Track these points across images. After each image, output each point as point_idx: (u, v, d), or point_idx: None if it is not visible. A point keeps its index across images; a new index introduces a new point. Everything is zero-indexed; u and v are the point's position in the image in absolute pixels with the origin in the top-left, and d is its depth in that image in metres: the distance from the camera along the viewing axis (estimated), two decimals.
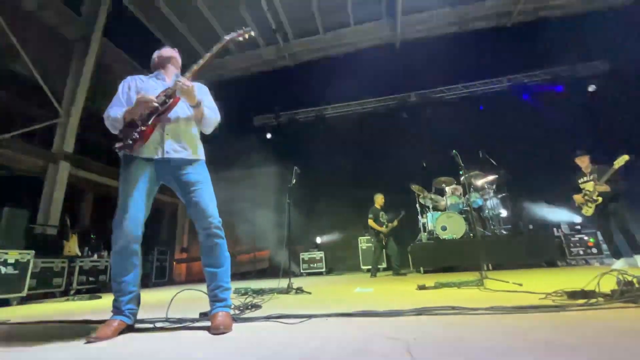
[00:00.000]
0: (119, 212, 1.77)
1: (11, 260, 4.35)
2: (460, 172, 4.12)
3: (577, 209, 4.76)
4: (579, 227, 6.02)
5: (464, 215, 6.01)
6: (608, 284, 1.86)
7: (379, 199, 6.18)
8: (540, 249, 5.43)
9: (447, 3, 8.87)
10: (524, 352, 1.05)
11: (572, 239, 5.73)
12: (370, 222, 5.95)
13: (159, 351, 1.36)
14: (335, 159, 9.14)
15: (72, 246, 6.23)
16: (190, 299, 3.07)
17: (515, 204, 6.88)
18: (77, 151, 7.43)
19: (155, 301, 3.64)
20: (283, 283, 3.72)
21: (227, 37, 2.12)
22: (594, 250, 5.62)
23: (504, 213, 6.35)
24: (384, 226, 5.90)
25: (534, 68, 8.73)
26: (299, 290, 3.50)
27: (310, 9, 8.88)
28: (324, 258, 8.00)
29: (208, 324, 1.71)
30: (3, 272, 4.23)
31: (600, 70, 8.26)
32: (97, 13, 7.79)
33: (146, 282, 7.65)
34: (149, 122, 1.79)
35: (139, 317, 1.85)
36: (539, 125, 7.96)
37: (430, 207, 6.62)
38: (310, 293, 3.42)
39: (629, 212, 4.38)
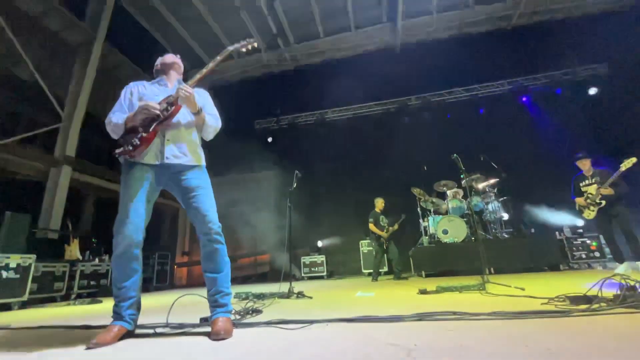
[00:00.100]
0: (119, 217, 1.77)
1: (13, 265, 4.35)
2: (462, 176, 4.10)
3: (578, 213, 4.72)
4: (581, 230, 6.00)
5: (465, 219, 5.99)
6: (611, 289, 1.85)
7: (379, 203, 6.17)
8: (542, 253, 5.40)
9: (447, 7, 8.91)
10: (526, 359, 1.04)
11: (575, 242, 5.71)
12: (371, 226, 5.94)
13: (159, 357, 1.36)
14: (336, 163, 9.16)
15: (73, 250, 6.24)
16: (191, 304, 3.07)
17: (517, 207, 6.85)
18: (79, 155, 7.45)
19: (156, 306, 3.63)
20: (284, 287, 3.71)
21: (231, 48, 2.13)
22: (597, 254, 5.59)
23: (505, 216, 6.32)
24: (385, 230, 5.89)
25: (535, 71, 8.74)
26: (300, 295, 3.49)
27: (311, 13, 8.93)
28: (325, 262, 7.98)
29: (208, 329, 1.71)
30: (5, 276, 4.23)
31: (601, 74, 8.26)
32: (99, 18, 7.86)
33: (147, 286, 7.63)
34: (150, 129, 1.80)
35: (139, 322, 1.85)
36: (539, 129, 7.97)
37: (432, 210, 6.61)
38: (311, 298, 3.40)
39: (632, 215, 4.35)
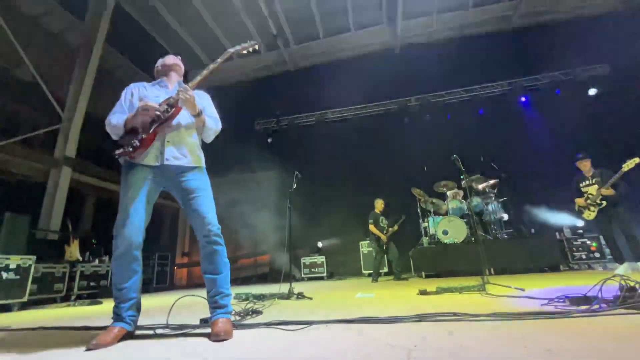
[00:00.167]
0: (119, 218, 1.77)
1: (13, 266, 4.35)
2: (461, 177, 4.11)
3: (578, 213, 4.71)
4: (581, 231, 5.99)
5: (465, 220, 5.99)
6: (611, 290, 1.85)
7: (379, 204, 6.17)
8: (542, 253, 5.40)
9: (447, 8, 8.93)
10: None
11: (575, 243, 5.71)
12: (371, 227, 5.94)
13: (159, 358, 1.36)
14: (336, 164, 9.16)
15: (73, 251, 6.24)
16: (191, 305, 3.07)
17: (517, 208, 6.85)
18: (79, 156, 7.46)
19: (156, 306, 3.63)
20: (284, 288, 3.71)
21: (232, 50, 2.13)
22: (597, 255, 5.59)
23: (505, 217, 6.33)
24: (384, 231, 5.89)
25: (535, 72, 8.74)
26: (300, 296, 3.49)
27: (310, 14, 8.95)
28: (325, 262, 7.98)
29: (208, 330, 1.71)
30: (5, 277, 4.23)
31: (601, 74, 8.27)
32: (99, 19, 7.87)
33: (147, 287, 7.63)
34: (150, 130, 1.80)
35: (139, 323, 1.85)
36: (539, 129, 7.97)
37: (432, 211, 6.61)
38: (311, 298, 3.40)
39: (632, 216, 4.35)
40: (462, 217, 6.12)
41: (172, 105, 1.86)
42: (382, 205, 6.17)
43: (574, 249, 5.67)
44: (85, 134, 7.64)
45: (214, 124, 2.03)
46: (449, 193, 6.61)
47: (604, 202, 4.29)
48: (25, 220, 5.00)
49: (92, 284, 6.03)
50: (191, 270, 10.77)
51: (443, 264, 5.64)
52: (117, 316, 1.74)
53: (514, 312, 1.74)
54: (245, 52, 2.18)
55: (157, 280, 8.31)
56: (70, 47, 7.88)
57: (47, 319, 3.10)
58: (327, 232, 8.92)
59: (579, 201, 4.57)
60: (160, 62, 2.17)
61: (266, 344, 1.48)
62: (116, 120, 1.85)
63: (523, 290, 2.70)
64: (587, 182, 4.53)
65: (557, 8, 8.69)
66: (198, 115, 1.93)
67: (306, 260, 8.09)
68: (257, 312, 2.41)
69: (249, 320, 2.10)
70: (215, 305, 1.79)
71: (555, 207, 6.98)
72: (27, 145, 7.01)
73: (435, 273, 5.67)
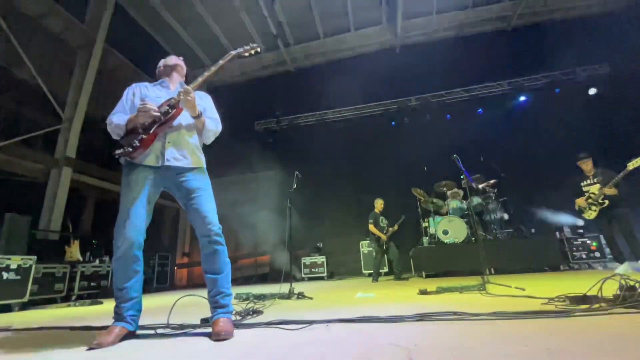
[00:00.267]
0: (120, 219, 1.77)
1: (13, 266, 4.36)
2: (461, 176, 4.11)
3: (578, 213, 4.70)
4: (581, 230, 5.99)
5: (465, 219, 5.99)
6: (611, 289, 1.85)
7: (379, 204, 6.17)
8: (542, 253, 5.40)
9: (447, 8, 8.93)
10: (526, 359, 1.05)
11: (575, 242, 5.70)
12: (371, 227, 5.94)
13: (161, 358, 1.36)
14: (336, 164, 9.16)
15: (73, 251, 6.24)
16: (191, 305, 3.07)
17: (517, 208, 6.85)
18: (79, 156, 7.46)
19: (156, 306, 3.63)
20: (284, 288, 3.71)
21: (234, 52, 2.13)
22: (597, 254, 5.59)
23: (505, 217, 6.32)
24: (384, 231, 5.89)
25: (534, 72, 8.74)
26: (301, 296, 3.49)
27: (310, 14, 8.96)
28: (325, 262, 7.98)
29: (209, 330, 1.72)
30: (5, 277, 4.24)
31: (601, 74, 8.26)
32: (100, 20, 7.87)
33: (147, 287, 7.64)
34: (151, 131, 1.81)
35: (140, 323, 1.85)
36: (539, 129, 7.97)
37: (432, 211, 6.61)
38: (311, 298, 3.41)
39: (632, 215, 4.34)
40: (462, 216, 6.12)
41: (173, 106, 1.86)
42: (382, 205, 6.17)
43: (574, 248, 5.67)
44: (86, 134, 7.65)
45: (213, 125, 2.03)
46: (449, 193, 6.61)
47: (606, 202, 4.28)
48: (26, 221, 5.00)
49: (92, 284, 6.04)
50: (191, 271, 10.78)
51: (443, 263, 5.64)
52: (118, 316, 1.74)
53: (515, 312, 1.74)
54: (247, 54, 2.18)
55: (158, 280, 8.32)
56: (70, 47, 7.87)
57: (48, 319, 3.11)
58: (328, 232, 8.93)
59: (580, 201, 4.55)
60: (162, 62, 2.18)
61: (267, 344, 1.49)
62: (117, 119, 1.85)
63: (523, 289, 2.70)
64: (589, 181, 4.52)
65: (556, 7, 8.70)
66: (198, 116, 1.94)
67: (306, 260, 8.09)
68: (257, 312, 2.41)
69: (250, 320, 2.11)
70: (216, 304, 1.79)
71: (555, 206, 6.98)
72: (28, 145, 7.00)
73: (436, 273, 5.68)
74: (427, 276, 5.66)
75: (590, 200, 4.42)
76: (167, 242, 10.75)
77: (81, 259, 6.27)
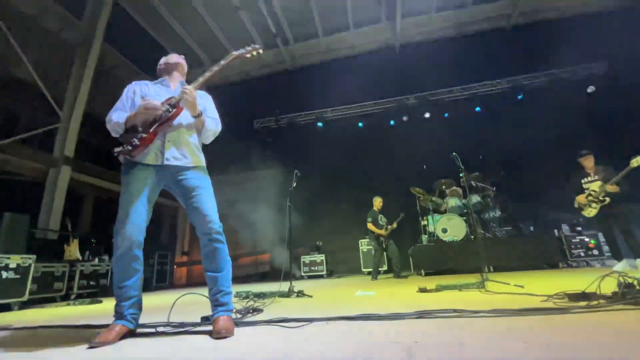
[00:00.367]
0: (120, 217, 1.77)
1: (13, 265, 4.35)
2: (460, 175, 4.11)
3: (578, 210, 4.70)
4: (579, 228, 6.00)
5: (464, 217, 6.00)
6: (609, 286, 1.86)
7: (377, 202, 6.17)
8: (541, 251, 5.42)
9: (446, 6, 8.92)
10: (526, 355, 1.05)
11: (573, 240, 5.71)
12: (369, 225, 5.95)
13: (161, 356, 1.36)
14: (335, 162, 9.15)
15: (73, 250, 6.23)
16: (191, 303, 3.07)
17: (516, 206, 6.86)
18: (78, 155, 7.44)
19: (156, 305, 3.63)
20: (284, 286, 3.72)
21: (236, 53, 2.12)
22: (595, 252, 5.60)
23: (504, 215, 6.34)
24: (383, 229, 5.90)
25: (533, 70, 8.74)
26: (300, 294, 3.50)
27: (310, 13, 8.93)
28: (324, 261, 7.99)
29: (210, 328, 1.72)
30: (4, 276, 4.23)
31: (599, 72, 8.27)
32: (98, 18, 7.83)
33: (147, 286, 7.64)
34: (151, 130, 1.80)
35: (140, 321, 1.85)
36: (538, 127, 7.97)
37: (431, 209, 6.62)
38: (311, 296, 3.41)
39: (632, 214, 4.35)
40: (461, 215, 6.13)
41: (174, 105, 1.86)
42: (381, 203, 6.18)
43: (573, 246, 5.68)
44: (84, 134, 7.62)
45: (213, 125, 2.03)
46: (448, 191, 6.62)
47: (607, 199, 4.27)
48: (25, 220, 4.99)
49: (92, 283, 6.03)
50: (191, 269, 10.78)
51: (442, 261, 5.66)
52: (119, 314, 1.74)
53: (514, 309, 1.75)
54: (249, 55, 2.17)
55: (157, 279, 8.32)
56: (68, 46, 7.84)
57: (47, 318, 3.11)
58: (327, 230, 8.93)
59: (580, 198, 4.53)
60: (163, 60, 2.17)
61: (267, 342, 1.49)
62: (117, 117, 1.85)
63: (522, 287, 2.71)
64: (589, 178, 4.51)
65: (556, 6, 8.69)
66: (198, 116, 1.93)
67: (306, 258, 8.10)
68: (257, 310, 2.42)
69: (250, 318, 2.11)
70: (216, 302, 1.80)
71: (554, 204, 6.99)
72: (26, 144, 6.98)
73: (435, 271, 5.69)
74: (427, 274, 5.67)
75: (590, 198, 4.41)
76: (166, 241, 10.75)
77: (80, 257, 6.26)
